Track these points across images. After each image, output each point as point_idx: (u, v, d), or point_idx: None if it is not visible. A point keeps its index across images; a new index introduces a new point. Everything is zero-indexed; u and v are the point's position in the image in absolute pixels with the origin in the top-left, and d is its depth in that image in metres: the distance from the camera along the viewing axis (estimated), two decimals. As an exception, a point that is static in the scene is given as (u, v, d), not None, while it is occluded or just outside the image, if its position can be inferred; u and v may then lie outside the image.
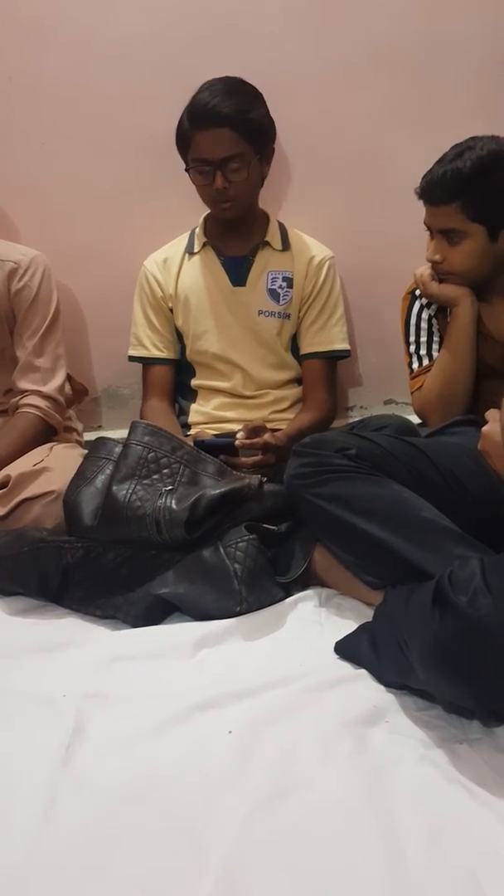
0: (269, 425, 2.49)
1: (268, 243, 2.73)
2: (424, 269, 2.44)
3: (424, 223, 2.35)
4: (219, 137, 2.45)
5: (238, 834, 1.35)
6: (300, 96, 2.60)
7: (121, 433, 2.35)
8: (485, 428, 1.88)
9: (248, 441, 2.33)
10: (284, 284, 2.72)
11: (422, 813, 1.39)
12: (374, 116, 2.79)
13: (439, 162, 2.28)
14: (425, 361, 2.50)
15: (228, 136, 2.45)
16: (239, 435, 2.35)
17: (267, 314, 2.73)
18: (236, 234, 2.72)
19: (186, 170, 2.55)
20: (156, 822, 1.39)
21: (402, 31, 2.70)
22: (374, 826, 1.36)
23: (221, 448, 2.34)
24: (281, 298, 2.72)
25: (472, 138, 2.26)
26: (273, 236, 2.73)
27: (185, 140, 2.50)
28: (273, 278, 2.72)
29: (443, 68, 2.75)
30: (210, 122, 2.43)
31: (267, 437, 2.36)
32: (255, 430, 2.37)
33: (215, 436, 2.55)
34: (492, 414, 1.88)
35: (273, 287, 2.72)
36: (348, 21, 2.69)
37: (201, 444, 2.32)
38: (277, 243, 2.73)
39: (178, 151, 2.55)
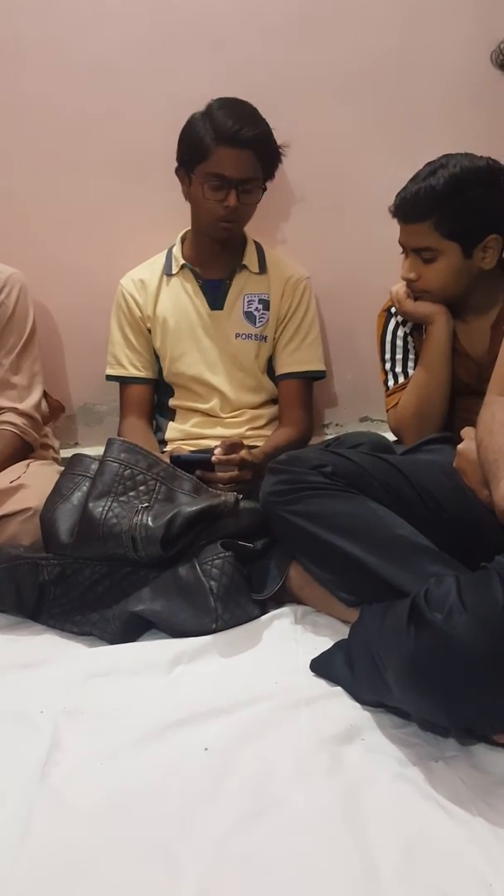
0: (246, 442, 2.48)
1: (245, 266, 2.73)
2: (400, 287, 2.44)
3: (399, 241, 2.35)
4: (242, 158, 2.48)
5: (214, 851, 1.35)
6: (276, 115, 2.59)
7: (97, 450, 2.34)
8: (460, 446, 1.89)
9: (224, 457, 2.33)
10: (261, 307, 2.73)
11: (397, 831, 1.39)
12: (349, 134, 2.81)
13: (413, 180, 2.28)
14: (401, 379, 2.49)
15: (251, 158, 2.50)
16: (216, 451, 2.34)
17: (244, 336, 2.73)
18: (217, 257, 2.71)
19: (182, 178, 2.57)
20: (132, 838, 1.39)
21: (377, 50, 2.73)
22: (350, 844, 1.36)
23: (198, 463, 2.34)
24: (257, 321, 2.73)
25: (446, 156, 2.26)
26: (250, 259, 2.74)
27: (201, 152, 2.49)
28: (249, 301, 2.73)
29: (418, 87, 2.77)
30: (238, 142, 2.46)
31: (243, 453, 2.35)
32: (231, 447, 2.36)
33: (192, 451, 2.55)
34: (467, 432, 1.90)
35: (249, 310, 2.72)
36: (324, 41, 2.71)
37: (177, 460, 2.33)
38: (255, 266, 2.74)
39: (184, 160, 2.55)
